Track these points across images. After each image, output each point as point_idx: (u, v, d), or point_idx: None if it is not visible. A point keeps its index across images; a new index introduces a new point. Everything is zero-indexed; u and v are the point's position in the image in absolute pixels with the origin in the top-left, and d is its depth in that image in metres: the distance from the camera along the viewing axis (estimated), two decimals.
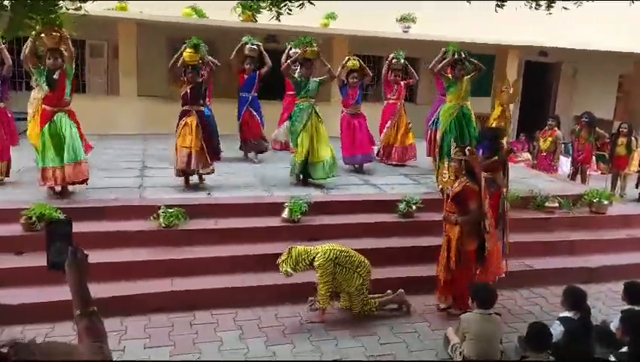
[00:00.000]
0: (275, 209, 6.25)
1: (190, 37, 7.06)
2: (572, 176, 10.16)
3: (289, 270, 4.82)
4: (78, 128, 6.32)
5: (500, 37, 12.22)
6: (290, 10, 4.63)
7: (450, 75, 7.69)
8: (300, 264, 4.83)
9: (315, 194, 6.81)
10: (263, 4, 4.82)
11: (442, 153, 7.43)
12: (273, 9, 4.71)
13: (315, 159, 7.23)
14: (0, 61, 7.15)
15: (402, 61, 8.98)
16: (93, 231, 5.49)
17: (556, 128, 10.13)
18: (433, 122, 8.60)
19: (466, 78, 7.65)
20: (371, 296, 5.13)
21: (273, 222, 6.15)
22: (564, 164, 10.92)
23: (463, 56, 7.64)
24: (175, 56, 6.96)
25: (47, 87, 6.08)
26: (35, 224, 5.38)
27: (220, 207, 6.30)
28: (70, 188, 6.38)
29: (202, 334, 4.73)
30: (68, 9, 3.24)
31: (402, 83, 9.10)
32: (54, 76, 6.06)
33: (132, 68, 11.22)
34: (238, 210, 6.30)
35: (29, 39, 6.12)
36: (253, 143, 8.94)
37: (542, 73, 15.18)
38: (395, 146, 9.03)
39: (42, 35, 5.91)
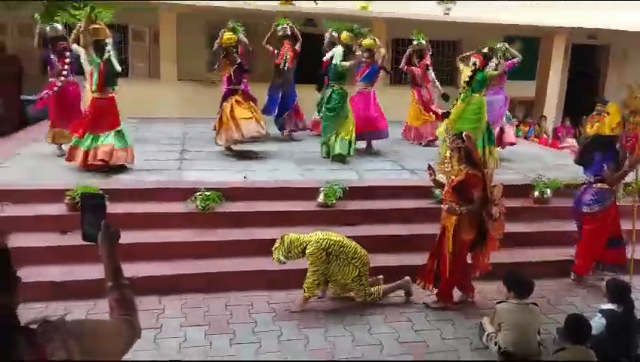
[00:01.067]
0: (310, 193, 6.25)
1: (228, 21, 7.15)
2: None
3: (281, 258, 4.81)
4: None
5: (546, 19, 11.74)
6: None
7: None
8: (292, 252, 4.80)
9: (351, 179, 6.78)
10: None
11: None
12: None
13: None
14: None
15: (423, 42, 9.34)
16: (133, 211, 5.64)
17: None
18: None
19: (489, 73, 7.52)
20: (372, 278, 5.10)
21: (308, 206, 6.17)
22: None
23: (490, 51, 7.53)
24: (216, 42, 7.35)
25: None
26: (78, 204, 5.55)
27: (256, 191, 6.35)
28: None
29: (236, 315, 4.81)
30: None
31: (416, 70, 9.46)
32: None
33: (172, 52, 11.37)
34: (274, 193, 6.34)
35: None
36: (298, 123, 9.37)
37: (589, 56, 14.58)
38: (413, 127, 9.59)
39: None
